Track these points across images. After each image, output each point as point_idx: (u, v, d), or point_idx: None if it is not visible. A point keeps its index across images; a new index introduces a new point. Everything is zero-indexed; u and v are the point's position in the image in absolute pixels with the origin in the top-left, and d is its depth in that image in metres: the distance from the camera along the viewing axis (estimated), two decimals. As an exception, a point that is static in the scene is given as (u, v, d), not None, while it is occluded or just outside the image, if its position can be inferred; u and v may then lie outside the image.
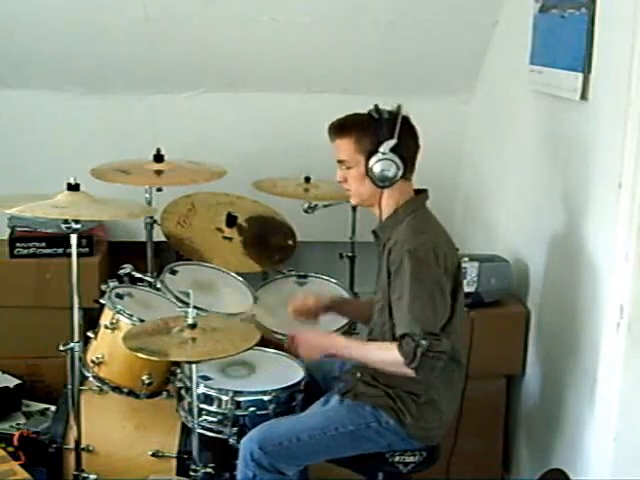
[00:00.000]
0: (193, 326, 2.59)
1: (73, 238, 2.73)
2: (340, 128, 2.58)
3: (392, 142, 2.49)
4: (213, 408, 2.75)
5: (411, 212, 2.56)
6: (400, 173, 2.51)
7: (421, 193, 2.63)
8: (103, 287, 3.01)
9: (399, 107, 2.53)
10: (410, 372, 2.42)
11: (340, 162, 2.60)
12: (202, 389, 2.74)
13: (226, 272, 3.32)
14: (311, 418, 2.64)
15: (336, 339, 2.69)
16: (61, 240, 3.38)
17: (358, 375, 2.65)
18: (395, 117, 2.50)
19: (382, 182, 2.52)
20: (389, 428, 2.57)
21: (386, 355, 2.47)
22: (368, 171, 2.52)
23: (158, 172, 3.35)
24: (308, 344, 2.63)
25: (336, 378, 2.77)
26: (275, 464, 2.54)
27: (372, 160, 2.51)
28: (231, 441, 2.73)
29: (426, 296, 2.44)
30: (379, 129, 2.50)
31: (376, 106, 2.54)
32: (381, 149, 2.49)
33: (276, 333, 3.14)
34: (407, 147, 2.52)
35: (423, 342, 2.38)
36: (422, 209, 2.61)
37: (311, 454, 2.61)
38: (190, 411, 2.72)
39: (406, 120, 2.54)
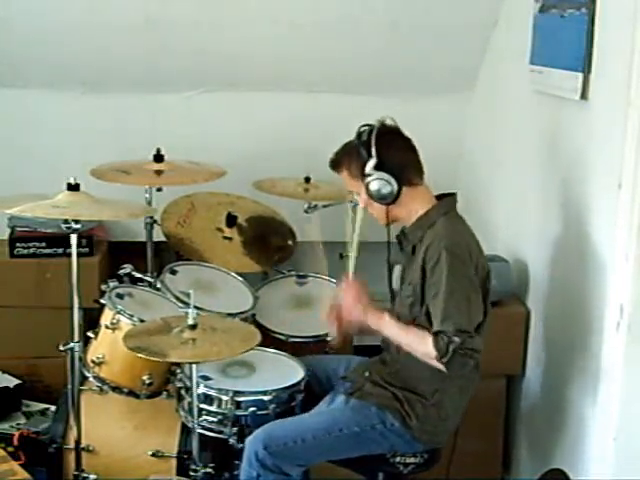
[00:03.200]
0: (194, 326, 2.59)
1: (73, 238, 2.73)
2: (334, 164, 2.63)
3: (373, 161, 2.51)
4: (213, 408, 2.75)
5: (445, 213, 2.57)
6: (395, 187, 2.52)
7: (449, 196, 2.62)
8: (103, 287, 3.01)
9: (379, 122, 2.54)
10: (442, 367, 2.43)
11: (350, 193, 2.67)
12: (202, 389, 2.74)
13: (226, 272, 3.32)
14: (316, 419, 2.64)
15: (384, 320, 2.61)
16: (61, 240, 3.38)
17: (367, 374, 2.66)
18: (370, 135, 2.51)
19: (384, 199, 2.54)
20: (394, 430, 2.58)
21: (420, 345, 2.47)
22: (368, 193, 2.55)
23: (158, 172, 3.35)
24: (351, 309, 2.63)
25: (343, 377, 2.77)
26: (279, 464, 2.54)
27: (365, 183, 2.54)
28: (231, 441, 2.73)
29: (462, 293, 2.45)
30: (360, 152, 2.53)
31: (359, 128, 2.56)
32: (366, 171, 2.52)
33: (276, 333, 3.14)
34: (391, 159, 2.52)
35: (456, 339, 2.39)
36: (454, 212, 2.61)
37: (315, 455, 2.62)
38: (190, 411, 2.72)
39: (385, 133, 2.53)
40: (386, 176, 2.51)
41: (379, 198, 2.54)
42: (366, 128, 2.55)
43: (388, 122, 2.56)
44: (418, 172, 2.59)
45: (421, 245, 2.55)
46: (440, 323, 2.43)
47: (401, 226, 2.65)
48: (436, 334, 2.43)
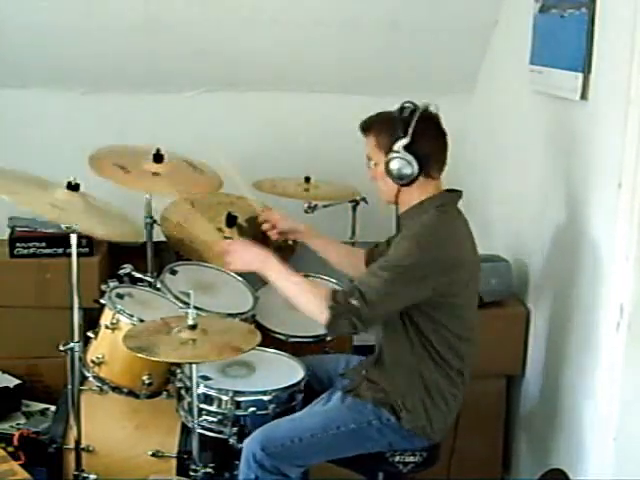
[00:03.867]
0: (193, 327, 2.59)
1: (73, 238, 2.72)
2: (365, 126, 2.62)
3: (405, 141, 2.50)
4: (213, 408, 2.75)
5: (438, 206, 2.56)
6: (416, 171, 2.52)
7: (454, 192, 2.63)
8: (103, 287, 3.01)
9: (424, 105, 2.54)
10: (324, 318, 2.46)
11: (368, 159, 2.63)
12: (202, 389, 2.74)
13: (226, 272, 3.32)
14: (313, 418, 2.64)
15: (272, 260, 2.63)
16: (61, 240, 3.38)
17: (364, 373, 2.67)
18: (412, 115, 2.51)
19: (399, 180, 2.54)
20: (390, 425, 2.58)
21: (311, 292, 2.53)
22: (386, 168, 2.55)
23: (157, 173, 3.33)
24: (240, 255, 2.67)
25: (342, 374, 2.79)
26: (278, 465, 2.54)
27: (388, 158, 2.53)
28: (231, 441, 2.73)
29: (399, 276, 2.45)
30: (395, 127, 2.52)
31: (403, 103, 2.55)
32: (395, 147, 2.51)
33: (276, 333, 3.14)
34: (422, 146, 2.51)
35: (355, 302, 2.42)
36: (451, 207, 2.61)
37: (313, 454, 2.62)
38: (190, 411, 2.72)
39: (426, 118, 2.54)
40: (411, 159, 2.51)
41: (396, 177, 2.54)
42: (410, 105, 2.54)
43: (432, 109, 2.57)
44: (440, 167, 2.59)
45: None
46: (358, 280, 2.47)
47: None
48: (347, 289, 2.47)
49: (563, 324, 2.91)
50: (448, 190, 2.63)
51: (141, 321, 2.83)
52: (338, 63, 3.68)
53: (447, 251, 2.51)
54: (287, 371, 2.87)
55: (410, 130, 2.50)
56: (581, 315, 2.74)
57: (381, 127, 2.57)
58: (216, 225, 3.54)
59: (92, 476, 2.86)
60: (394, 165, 2.52)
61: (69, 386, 2.87)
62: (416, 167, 2.51)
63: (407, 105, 2.55)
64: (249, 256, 2.67)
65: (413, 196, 2.58)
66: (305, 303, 2.55)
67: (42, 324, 3.51)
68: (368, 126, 2.61)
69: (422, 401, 2.58)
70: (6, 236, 3.64)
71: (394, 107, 2.57)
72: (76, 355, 2.82)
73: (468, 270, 2.57)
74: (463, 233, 2.60)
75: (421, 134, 2.51)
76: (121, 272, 3.14)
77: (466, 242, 2.59)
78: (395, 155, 2.51)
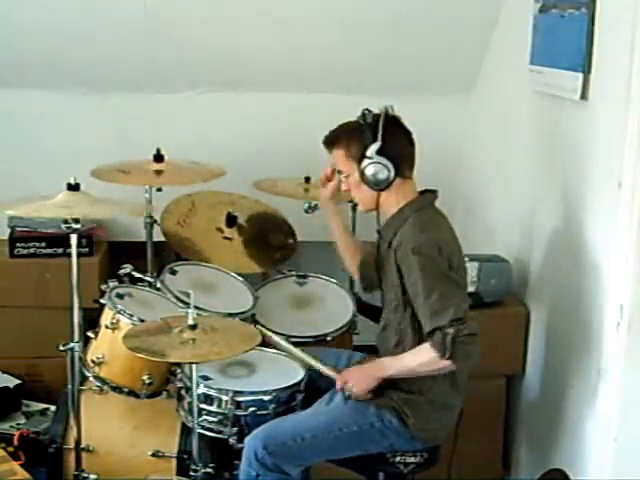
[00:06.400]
0: (193, 327, 2.59)
1: (73, 238, 2.73)
2: (330, 140, 2.62)
3: (376, 145, 2.51)
4: (213, 408, 2.75)
5: (416, 210, 2.57)
6: (392, 174, 2.53)
7: (429, 193, 2.64)
8: (103, 287, 3.01)
9: (385, 108, 2.55)
10: (448, 364, 2.44)
11: (339, 173, 2.64)
12: (202, 389, 2.74)
13: (226, 272, 3.32)
14: (315, 418, 2.64)
15: (382, 363, 2.62)
16: (61, 240, 3.38)
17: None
18: (378, 119, 2.52)
19: (376, 185, 2.55)
20: (392, 428, 2.58)
21: (422, 357, 2.49)
22: (362, 176, 2.54)
23: (158, 172, 3.35)
24: (358, 379, 2.61)
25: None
26: (279, 464, 2.54)
27: (362, 165, 2.54)
28: (231, 441, 2.73)
29: (440, 286, 2.46)
30: (364, 134, 2.53)
31: (363, 111, 2.56)
32: (367, 153, 2.52)
33: (276, 333, 3.14)
34: (394, 147, 2.53)
35: (450, 330, 2.41)
36: (429, 208, 2.62)
37: (315, 454, 2.62)
38: (190, 411, 2.72)
39: (391, 120, 2.55)
40: (386, 162, 2.51)
41: (373, 183, 2.54)
42: (371, 112, 2.54)
43: (392, 111, 2.57)
44: (412, 165, 2.61)
45: (394, 241, 2.57)
46: (429, 322, 2.45)
47: (377, 217, 2.64)
48: (429, 334, 2.45)
49: (563, 324, 2.91)
50: (424, 191, 2.64)
51: (141, 321, 2.83)
52: (338, 63, 3.68)
53: (447, 247, 2.52)
54: (287, 371, 2.87)
55: (379, 134, 2.50)
56: (581, 315, 2.74)
57: (349, 137, 2.57)
58: (216, 225, 3.55)
59: (92, 476, 2.86)
60: (369, 171, 2.53)
61: (69, 386, 2.87)
62: (392, 169, 2.52)
63: (367, 112, 2.55)
64: (366, 375, 2.61)
65: (393, 200, 2.59)
66: (425, 370, 2.50)
67: (42, 324, 3.52)
68: (335, 139, 2.61)
69: (427, 406, 2.58)
70: (6, 236, 3.65)
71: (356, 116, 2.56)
72: (76, 355, 2.82)
73: (460, 266, 2.58)
74: (446, 230, 2.61)
75: (390, 135, 2.52)
76: (121, 272, 3.15)
77: (450, 239, 2.59)
78: (370, 161, 2.52)
